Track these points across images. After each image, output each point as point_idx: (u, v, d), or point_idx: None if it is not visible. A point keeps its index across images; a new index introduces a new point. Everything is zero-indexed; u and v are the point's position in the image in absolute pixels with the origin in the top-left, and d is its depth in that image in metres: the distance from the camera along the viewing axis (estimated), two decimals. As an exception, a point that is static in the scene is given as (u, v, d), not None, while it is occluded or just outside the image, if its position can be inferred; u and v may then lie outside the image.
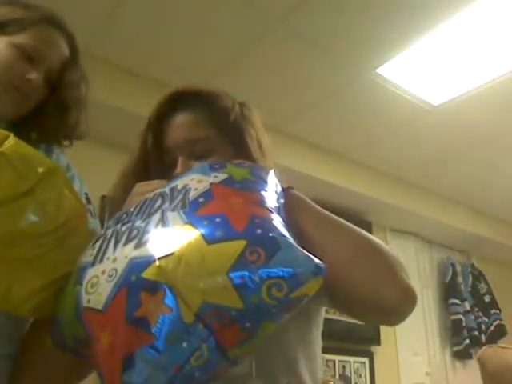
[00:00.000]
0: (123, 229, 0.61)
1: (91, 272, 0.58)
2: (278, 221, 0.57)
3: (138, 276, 0.52)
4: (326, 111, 3.16)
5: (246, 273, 0.50)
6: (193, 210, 0.58)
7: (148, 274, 0.52)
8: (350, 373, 3.63)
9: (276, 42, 2.54)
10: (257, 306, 0.49)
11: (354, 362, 3.67)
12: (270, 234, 0.53)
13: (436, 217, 4.21)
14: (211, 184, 0.62)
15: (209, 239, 0.53)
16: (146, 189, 0.75)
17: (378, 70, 2.76)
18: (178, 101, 0.88)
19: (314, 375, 0.78)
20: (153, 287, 0.50)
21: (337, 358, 3.56)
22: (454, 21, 2.41)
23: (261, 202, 0.60)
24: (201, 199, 0.60)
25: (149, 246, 0.55)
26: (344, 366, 3.61)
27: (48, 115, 1.00)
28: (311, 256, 0.53)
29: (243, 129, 0.86)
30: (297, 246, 0.54)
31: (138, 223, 0.61)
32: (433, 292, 4.51)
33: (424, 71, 2.78)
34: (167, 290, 0.50)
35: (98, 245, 0.62)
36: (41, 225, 0.64)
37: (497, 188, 4.16)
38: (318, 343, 0.82)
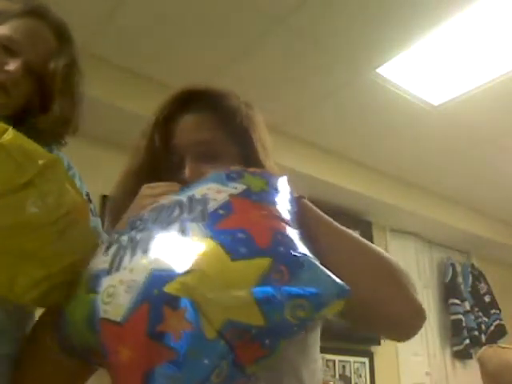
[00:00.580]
0: (139, 237, 0.60)
1: (107, 281, 0.56)
2: (297, 237, 0.57)
3: (161, 290, 0.51)
4: (326, 111, 3.16)
5: (270, 291, 0.49)
6: (213, 223, 0.57)
7: (171, 288, 0.50)
8: (350, 373, 3.63)
9: (276, 42, 2.54)
10: (279, 324, 0.49)
11: (354, 362, 3.67)
12: (294, 253, 0.53)
13: (436, 217, 4.21)
14: (230, 196, 0.61)
15: (232, 255, 0.52)
16: (153, 191, 0.73)
17: (378, 70, 2.76)
18: (186, 100, 0.87)
19: (315, 377, 0.78)
20: (175, 302, 0.50)
21: (337, 358, 3.56)
22: (454, 21, 2.41)
23: (279, 216, 0.59)
24: (221, 211, 0.59)
25: (170, 258, 0.54)
26: (344, 366, 3.61)
27: (37, 110, 0.96)
28: (335, 277, 0.53)
29: (249, 129, 0.86)
30: (320, 265, 0.53)
31: (156, 232, 0.60)
32: (433, 292, 4.51)
33: (424, 71, 2.78)
34: (190, 306, 0.49)
35: (112, 252, 0.61)
36: (41, 216, 0.64)
37: (497, 188, 4.16)
38: (317, 345, 0.82)
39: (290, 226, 0.58)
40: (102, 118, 2.77)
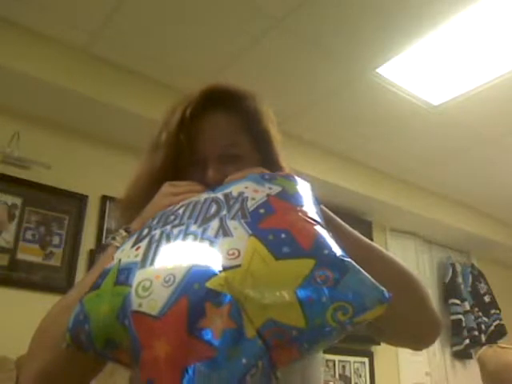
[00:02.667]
0: (175, 232, 0.59)
1: (141, 274, 0.54)
2: (335, 240, 0.56)
3: (202, 285, 0.50)
4: (326, 111, 3.16)
5: (314, 293, 0.49)
6: (255, 222, 0.56)
7: (213, 284, 0.49)
8: (350, 373, 3.63)
9: (276, 41, 2.54)
10: (319, 327, 0.48)
11: (354, 362, 3.67)
12: (338, 256, 0.52)
13: (436, 217, 4.21)
14: (268, 195, 0.61)
15: (276, 254, 0.51)
16: (175, 190, 0.72)
17: (378, 70, 2.76)
18: (212, 98, 0.84)
19: (317, 373, 0.78)
20: (218, 298, 0.49)
21: (337, 357, 3.57)
22: (454, 21, 2.41)
23: (316, 220, 0.59)
24: (261, 210, 0.58)
25: (211, 254, 0.53)
26: (344, 366, 3.61)
27: None
28: (377, 283, 0.53)
29: (270, 132, 0.86)
30: (363, 271, 0.53)
31: (193, 228, 0.58)
32: (433, 292, 4.51)
33: (424, 71, 2.78)
34: (233, 303, 0.48)
35: (143, 245, 0.59)
36: None
37: (497, 188, 4.16)
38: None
39: (326, 230, 0.58)
40: (102, 118, 2.77)
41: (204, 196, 0.66)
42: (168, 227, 0.60)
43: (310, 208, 0.61)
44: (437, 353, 4.30)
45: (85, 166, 2.85)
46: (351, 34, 2.50)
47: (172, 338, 0.48)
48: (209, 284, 0.50)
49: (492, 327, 4.52)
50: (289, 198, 0.61)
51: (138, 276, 0.54)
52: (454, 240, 4.70)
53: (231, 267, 0.50)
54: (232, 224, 0.56)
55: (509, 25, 2.45)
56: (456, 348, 4.32)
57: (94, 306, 0.56)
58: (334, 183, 3.53)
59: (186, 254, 0.54)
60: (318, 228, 0.56)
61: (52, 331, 0.67)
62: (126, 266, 0.57)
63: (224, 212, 0.59)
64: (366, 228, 4.08)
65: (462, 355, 4.34)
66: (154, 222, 0.63)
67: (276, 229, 0.55)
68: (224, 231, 0.56)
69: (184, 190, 0.71)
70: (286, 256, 0.51)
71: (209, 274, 0.50)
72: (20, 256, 2.52)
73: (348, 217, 3.99)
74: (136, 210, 0.75)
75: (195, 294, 0.49)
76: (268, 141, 0.85)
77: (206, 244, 0.55)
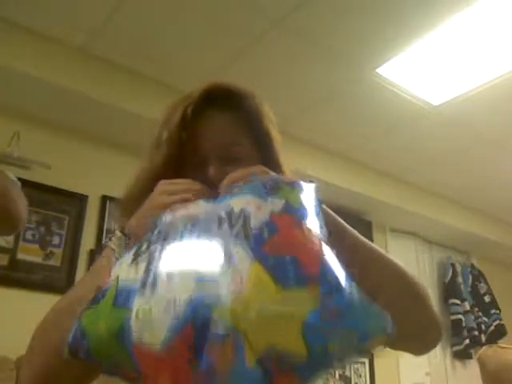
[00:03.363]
0: (175, 250, 0.57)
1: (142, 298, 0.52)
2: (338, 261, 0.55)
3: (205, 315, 0.49)
4: (326, 111, 3.16)
5: (318, 322, 0.48)
6: (258, 245, 0.54)
7: (217, 314, 0.49)
8: (350, 373, 3.63)
9: (276, 42, 2.54)
10: (321, 355, 0.48)
11: (354, 362, 3.67)
12: (343, 283, 0.51)
13: (436, 217, 4.21)
14: (271, 213, 0.59)
15: (281, 283, 0.50)
16: (172, 188, 0.70)
17: (378, 70, 2.76)
18: (213, 96, 0.83)
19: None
20: (221, 328, 0.48)
21: (337, 357, 3.56)
22: (454, 21, 2.41)
23: (321, 237, 0.57)
24: (265, 232, 0.56)
25: (214, 280, 0.52)
26: (344, 366, 3.61)
27: None
28: (382, 311, 0.52)
29: (271, 132, 0.85)
30: (368, 298, 0.52)
31: (195, 248, 0.56)
32: (433, 292, 4.51)
33: (424, 71, 2.78)
34: (237, 334, 0.48)
35: (143, 263, 0.57)
36: None
37: (497, 188, 4.16)
38: None
39: (330, 247, 0.57)
40: (102, 118, 2.77)
41: (203, 207, 0.64)
42: (167, 244, 0.58)
43: (314, 222, 0.59)
44: (437, 353, 4.30)
45: (85, 165, 2.85)
46: (351, 34, 2.50)
47: (175, 372, 0.48)
48: (211, 313, 0.49)
49: (492, 327, 4.53)
50: (293, 212, 0.59)
51: (138, 300, 0.53)
52: (454, 240, 4.70)
53: (237, 297, 0.49)
54: (235, 246, 0.55)
55: (509, 25, 2.45)
56: (456, 348, 4.33)
57: (92, 324, 0.56)
58: (334, 183, 3.53)
59: (188, 278, 0.53)
60: (323, 249, 0.55)
61: (47, 336, 0.67)
62: (125, 286, 0.55)
63: (226, 231, 0.57)
64: (366, 228, 4.08)
65: (462, 355, 4.34)
66: (154, 237, 0.61)
67: (281, 254, 0.53)
68: (226, 255, 0.54)
69: (181, 188, 0.69)
70: (291, 285, 0.50)
71: (211, 303, 0.49)
72: (20, 256, 2.52)
73: (348, 217, 3.98)
74: (136, 208, 0.74)
75: (199, 325, 0.48)
76: (269, 140, 0.85)
77: (208, 267, 0.53)
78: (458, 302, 4.39)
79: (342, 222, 0.73)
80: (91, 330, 0.55)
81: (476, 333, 4.34)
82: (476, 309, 4.52)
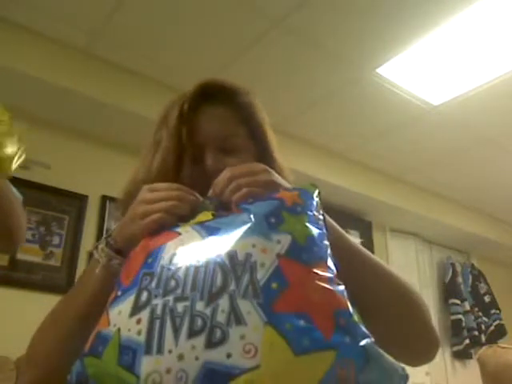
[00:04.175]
0: (179, 308, 0.53)
1: (149, 364, 0.50)
2: (351, 305, 0.54)
3: None
4: (326, 111, 3.16)
5: (333, 380, 0.47)
6: (268, 303, 0.51)
7: None
8: (350, 373, 3.63)
9: (276, 42, 2.54)
10: None
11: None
12: (360, 344, 0.50)
13: (436, 217, 4.21)
14: (278, 256, 0.56)
15: (296, 349, 0.48)
16: (150, 196, 0.67)
17: (378, 70, 2.76)
18: (208, 93, 0.85)
19: None
20: None
21: (337, 357, 3.56)
22: (454, 21, 2.40)
23: (333, 279, 0.55)
24: (274, 285, 0.53)
25: (225, 347, 0.49)
26: None
27: None
28: (397, 365, 0.52)
29: (264, 126, 0.87)
30: (383, 352, 0.52)
31: (200, 307, 0.52)
32: (433, 292, 4.51)
33: (424, 71, 2.78)
34: None
35: (145, 319, 0.53)
36: None
37: (497, 188, 4.16)
38: None
39: (342, 288, 0.55)
40: (102, 118, 2.77)
41: (201, 245, 0.59)
42: (170, 299, 0.54)
43: (324, 259, 0.57)
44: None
45: (85, 165, 2.85)
46: (351, 34, 2.50)
47: None
48: None
49: (492, 327, 4.53)
50: (301, 256, 0.56)
51: (146, 365, 0.50)
52: (454, 240, 4.70)
53: (249, 369, 0.47)
54: (243, 306, 0.51)
55: (509, 25, 2.45)
56: (456, 348, 4.33)
57: (100, 376, 0.54)
58: (334, 183, 3.53)
59: (197, 344, 0.50)
60: (337, 297, 0.53)
61: (41, 348, 0.70)
62: (129, 343, 0.52)
63: (232, 287, 0.53)
64: (366, 228, 4.08)
65: (462, 355, 4.34)
66: (153, 285, 0.56)
67: (293, 313, 0.51)
68: (236, 317, 0.51)
69: (159, 196, 0.66)
70: (305, 350, 0.48)
71: (226, 375, 0.47)
72: (20, 256, 2.52)
73: (348, 217, 3.99)
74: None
75: None
76: (263, 134, 0.87)
77: (218, 332, 0.50)
78: (457, 302, 4.39)
79: (342, 232, 0.71)
80: (98, 379, 0.53)
81: (476, 333, 4.34)
82: (476, 309, 4.52)
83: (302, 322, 0.50)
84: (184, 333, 0.50)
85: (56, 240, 2.65)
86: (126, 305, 0.56)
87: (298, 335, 0.49)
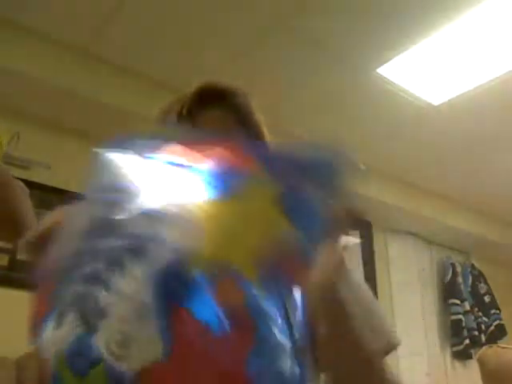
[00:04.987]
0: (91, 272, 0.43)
1: (102, 334, 0.40)
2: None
3: (182, 272, 0.40)
4: (326, 111, 3.16)
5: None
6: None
7: (198, 264, 0.42)
8: (350, 373, 3.63)
9: (276, 42, 2.54)
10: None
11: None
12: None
13: (436, 217, 4.21)
14: None
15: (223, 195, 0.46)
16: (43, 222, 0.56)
17: (379, 70, 2.76)
18: (205, 96, 0.87)
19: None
20: (215, 278, 0.41)
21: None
22: (454, 21, 2.41)
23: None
24: None
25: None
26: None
27: None
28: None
29: (261, 127, 0.88)
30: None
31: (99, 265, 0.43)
32: (433, 292, 4.51)
33: (424, 71, 2.78)
34: (233, 271, 0.43)
35: (69, 318, 0.42)
36: None
37: (497, 188, 4.16)
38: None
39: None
40: (102, 118, 2.77)
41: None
42: (79, 285, 0.44)
43: None
44: (437, 353, 4.30)
45: (85, 166, 2.84)
46: (351, 34, 2.50)
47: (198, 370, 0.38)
48: (191, 267, 0.41)
49: (492, 327, 4.53)
50: None
51: (99, 340, 0.39)
52: (454, 240, 4.70)
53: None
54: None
55: (509, 25, 2.45)
56: (456, 348, 4.32)
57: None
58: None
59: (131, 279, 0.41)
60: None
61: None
62: (69, 348, 0.41)
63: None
64: (366, 228, 4.08)
65: (462, 355, 4.34)
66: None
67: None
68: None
69: (45, 223, 0.55)
70: (238, 195, 0.47)
71: (184, 258, 0.41)
72: (20, 256, 2.52)
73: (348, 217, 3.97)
74: None
75: (179, 296, 0.40)
76: (260, 135, 0.88)
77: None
78: (457, 302, 4.39)
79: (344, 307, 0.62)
80: None
81: (476, 333, 4.34)
82: (476, 309, 4.52)
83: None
84: (117, 279, 0.41)
85: (56, 240, 2.65)
86: (47, 324, 0.44)
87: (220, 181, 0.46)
